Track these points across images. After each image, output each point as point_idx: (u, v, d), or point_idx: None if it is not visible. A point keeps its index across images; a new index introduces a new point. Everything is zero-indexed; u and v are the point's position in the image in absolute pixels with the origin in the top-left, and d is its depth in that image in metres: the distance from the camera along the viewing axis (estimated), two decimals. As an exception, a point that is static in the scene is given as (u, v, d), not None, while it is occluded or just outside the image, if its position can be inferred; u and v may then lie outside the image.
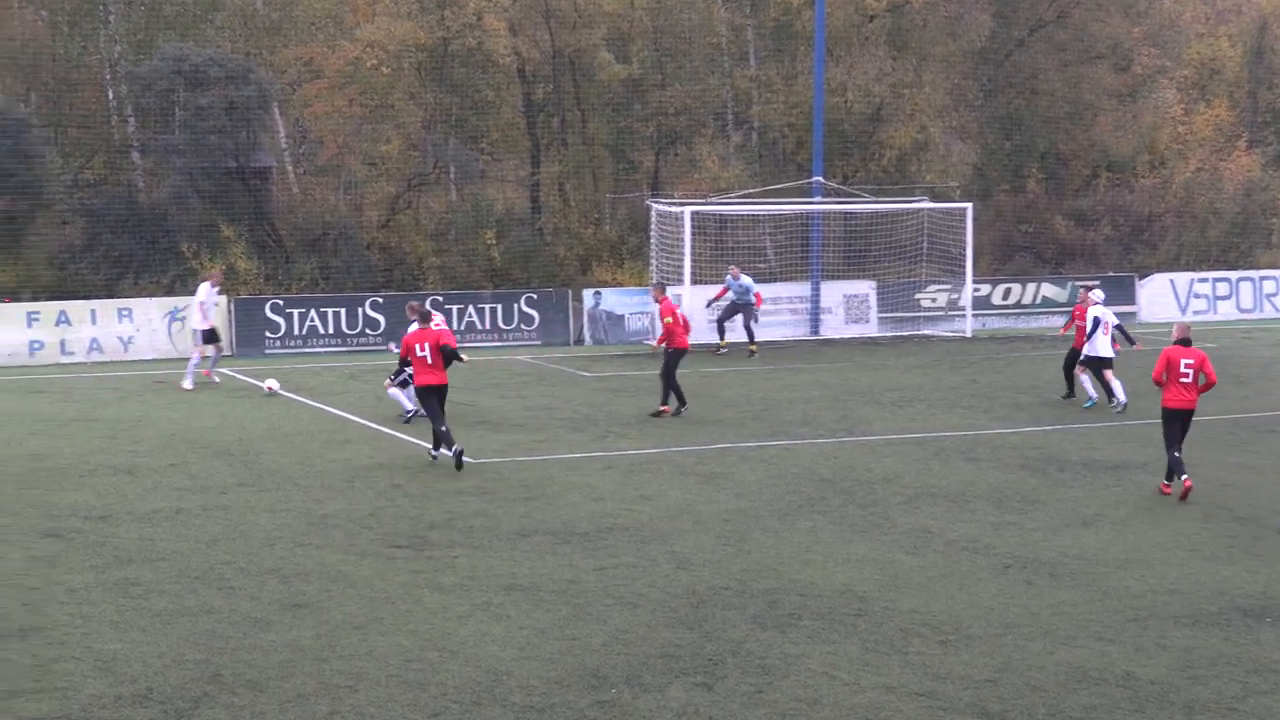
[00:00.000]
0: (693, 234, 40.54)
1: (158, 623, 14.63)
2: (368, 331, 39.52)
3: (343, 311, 39.75)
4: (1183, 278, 49.62)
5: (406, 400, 27.20)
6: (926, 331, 44.69)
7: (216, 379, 32.98)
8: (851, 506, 20.25)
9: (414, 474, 22.45)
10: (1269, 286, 50.37)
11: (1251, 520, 19.59)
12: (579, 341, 41.84)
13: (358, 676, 13.10)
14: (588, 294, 42.50)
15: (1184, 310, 48.69)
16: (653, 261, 42.08)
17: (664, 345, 28.38)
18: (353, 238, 45.83)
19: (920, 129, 49.98)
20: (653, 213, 42.29)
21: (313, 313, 39.57)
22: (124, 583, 16.10)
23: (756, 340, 38.74)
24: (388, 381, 27.76)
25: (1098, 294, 30.25)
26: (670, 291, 34.87)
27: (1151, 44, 57.16)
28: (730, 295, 38.86)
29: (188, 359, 33.60)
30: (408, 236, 47.04)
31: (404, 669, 13.31)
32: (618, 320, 42.17)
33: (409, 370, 24.54)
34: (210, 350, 33.17)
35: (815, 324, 43.92)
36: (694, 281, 40.06)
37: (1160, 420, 21.30)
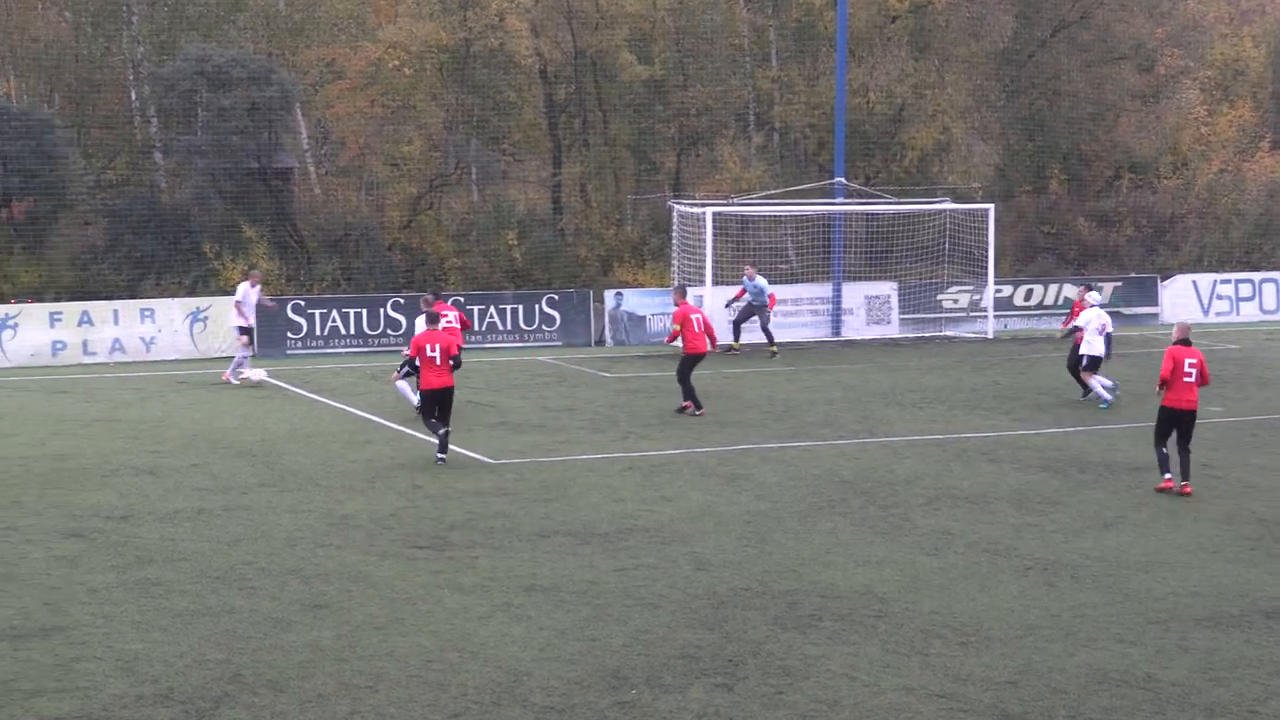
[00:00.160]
0: (714, 235, 40.49)
1: (179, 623, 14.68)
2: (389, 332, 39.53)
3: (364, 312, 39.76)
4: (1205, 279, 49.41)
5: (412, 394, 27.16)
6: (948, 333, 44.59)
7: (235, 381, 33.04)
8: (872, 508, 20.24)
9: (435, 475, 22.47)
10: (1292, 288, 50.19)
11: (1274, 522, 19.54)
12: (600, 342, 41.81)
13: (378, 677, 13.13)
14: (609, 295, 42.48)
15: (1206, 312, 48.51)
16: (674, 262, 42.04)
17: (674, 343, 29.08)
18: (374, 238, 45.86)
19: (942, 130, 49.88)
20: (674, 214, 42.24)
21: (334, 313, 39.58)
22: (145, 583, 16.15)
23: (776, 341, 38.67)
24: (394, 375, 27.61)
25: (1094, 295, 30.51)
26: (692, 294, 34.92)
27: (1175, 44, 56.96)
28: (748, 296, 38.79)
29: (207, 358, 33.67)
30: (429, 237, 47.06)
31: (424, 669, 13.34)
32: (639, 321, 42.15)
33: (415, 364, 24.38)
34: (244, 339, 33.69)
35: (837, 325, 43.85)
36: (715, 283, 40.00)
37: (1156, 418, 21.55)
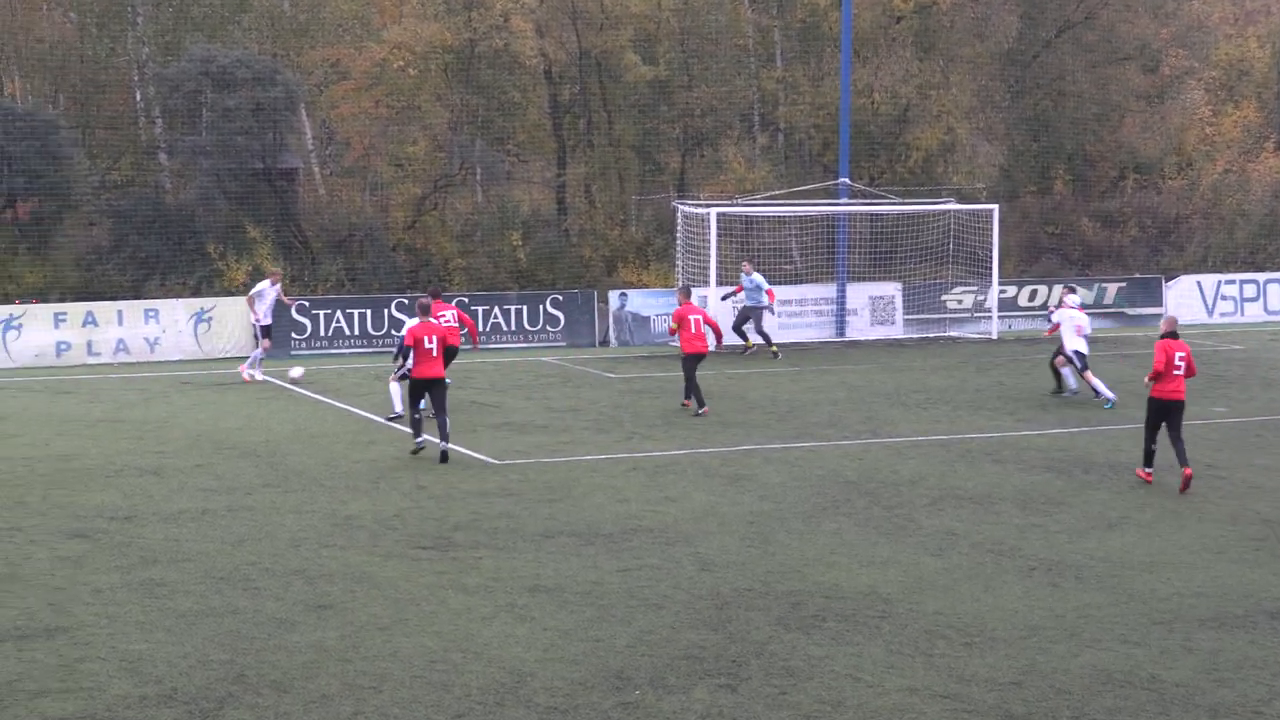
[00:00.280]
0: (718, 236, 40.47)
1: (183, 623, 14.69)
2: (394, 333, 39.42)
3: (369, 313, 39.77)
4: (1210, 279, 49.38)
5: (397, 401, 27.21)
6: (952, 333, 44.58)
7: (248, 378, 33.17)
8: (876, 508, 20.23)
9: (439, 475, 22.47)
10: (1297, 288, 50.19)
11: (1278, 522, 19.52)
12: (604, 343, 41.81)
13: (382, 677, 13.13)
14: (613, 295, 42.46)
15: (1211, 313, 48.50)
16: (678, 263, 42.04)
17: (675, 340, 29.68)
18: (379, 239, 45.87)
19: (947, 130, 49.85)
20: (678, 214, 42.23)
21: (339, 314, 39.59)
22: (149, 583, 16.16)
23: (775, 341, 38.64)
24: (393, 376, 27.53)
25: (1073, 298, 30.77)
26: (696, 295, 34.95)
27: (1179, 45, 56.93)
28: (745, 292, 38.67)
29: (212, 359, 33.74)
30: (434, 238, 47.07)
31: (428, 670, 13.34)
32: (643, 322, 42.14)
33: (409, 363, 24.47)
34: (266, 342, 34.24)
35: (841, 325, 43.85)
36: (720, 283, 39.98)
37: (1146, 410, 21.94)
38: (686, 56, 50.01)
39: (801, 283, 44.90)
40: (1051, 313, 31.95)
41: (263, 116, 43.54)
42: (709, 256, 40.14)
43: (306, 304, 37.85)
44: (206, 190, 44.90)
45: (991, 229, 44.01)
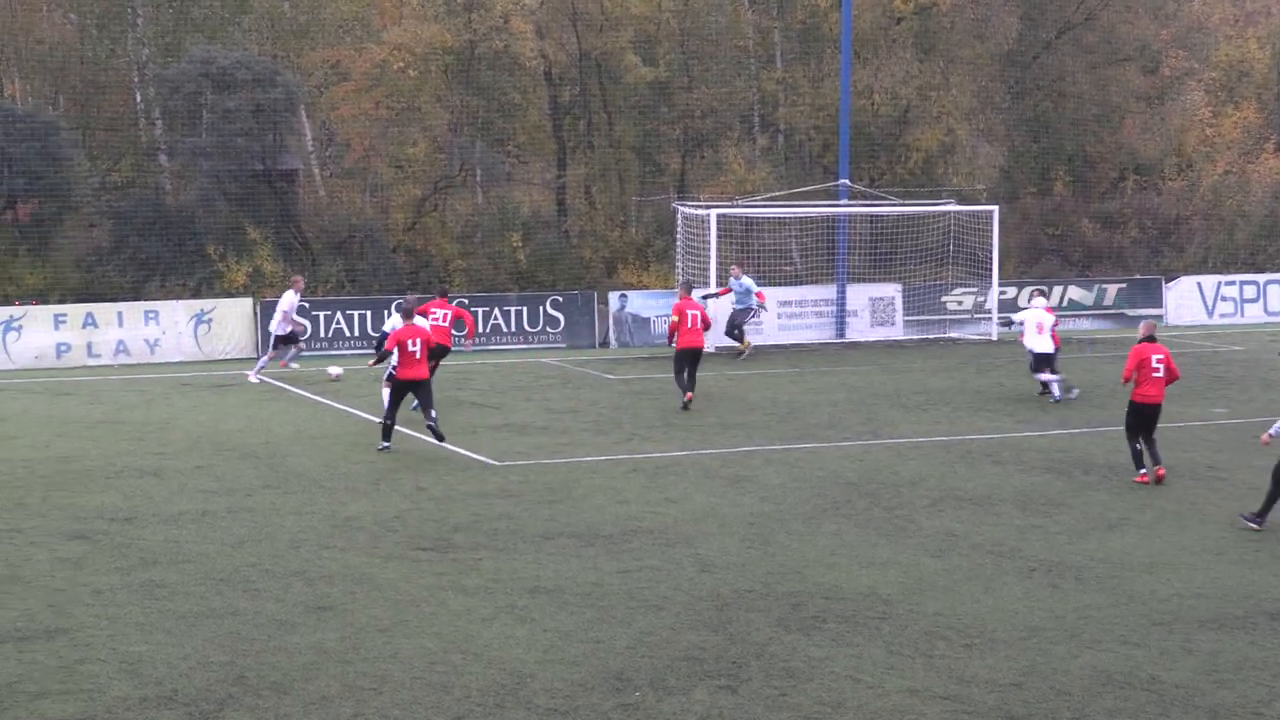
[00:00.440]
0: (719, 237, 40.45)
1: (183, 625, 14.68)
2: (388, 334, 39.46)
3: (369, 314, 39.74)
4: (1210, 281, 49.36)
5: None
6: (952, 334, 44.56)
7: (255, 380, 33.30)
8: (876, 509, 20.23)
9: (439, 476, 22.47)
10: (1297, 289, 50.17)
11: (1278, 524, 19.50)
12: (604, 344, 41.78)
13: (382, 679, 13.12)
14: (613, 296, 42.43)
15: (1211, 314, 48.49)
16: (678, 265, 42.03)
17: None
18: (379, 240, 45.85)
19: (947, 131, 49.83)
20: (678, 215, 42.22)
21: (339, 315, 39.59)
22: (149, 585, 16.15)
23: (748, 340, 38.67)
24: (385, 381, 27.53)
25: (1040, 300, 31.15)
26: (697, 293, 34.93)
27: (1180, 46, 56.88)
28: (732, 294, 38.60)
29: (212, 360, 33.78)
30: (434, 239, 47.05)
31: (428, 671, 13.34)
32: (643, 323, 42.11)
33: (393, 365, 24.84)
34: (275, 352, 34.40)
35: (841, 327, 43.81)
36: (719, 284, 39.94)
37: (1126, 413, 22.58)
38: (686, 58, 50.00)
39: (801, 284, 44.88)
40: (1012, 320, 33.21)
41: (263, 118, 43.52)
42: (709, 258, 40.12)
43: (306, 305, 37.78)
44: (206, 192, 44.87)
45: (991, 230, 44.00)
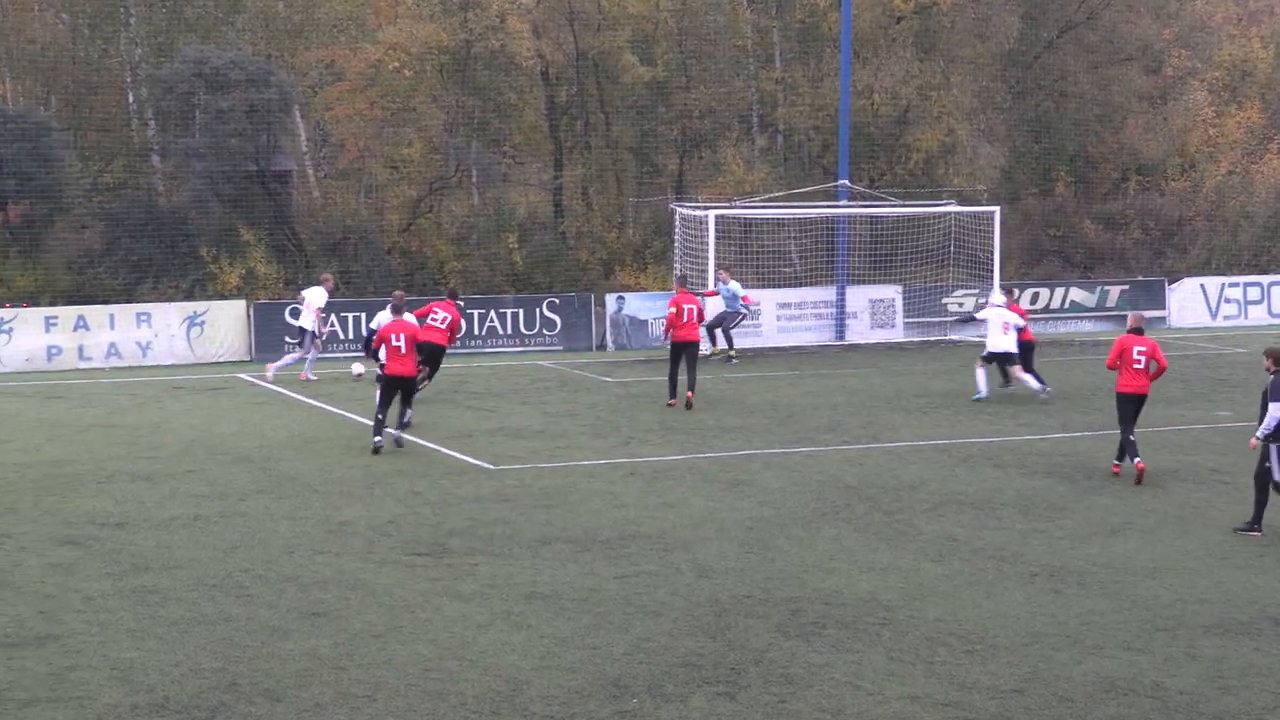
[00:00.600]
0: (717, 238, 40.33)
1: (175, 631, 14.58)
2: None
3: (363, 316, 39.55)
4: (1213, 282, 49.26)
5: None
6: (953, 336, 44.44)
7: (312, 377, 33.90)
8: (876, 514, 20.11)
9: (434, 481, 22.34)
10: (1300, 291, 50.06)
11: (1283, 528, 19.41)
12: (601, 347, 41.67)
13: (376, 686, 13.03)
14: (610, 299, 42.32)
15: (1214, 315, 48.39)
16: (676, 266, 41.90)
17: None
18: (374, 242, 45.76)
19: (948, 132, 49.75)
20: (676, 217, 42.10)
21: (333, 317, 39.40)
22: (141, 590, 16.04)
23: (735, 346, 38.50)
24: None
25: (1000, 297, 31.95)
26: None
27: (1182, 45, 56.79)
28: (720, 297, 38.45)
29: (204, 363, 33.72)
30: (429, 240, 46.97)
31: (423, 678, 13.24)
32: (641, 325, 41.97)
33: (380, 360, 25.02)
34: (299, 352, 34.44)
35: (841, 329, 43.69)
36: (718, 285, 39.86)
37: (1115, 404, 23.00)
38: (684, 57, 49.92)
39: (801, 286, 44.78)
40: (975, 316, 33.48)
41: (256, 118, 43.40)
42: (707, 259, 39.99)
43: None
44: (199, 193, 44.78)
45: (992, 231, 43.86)
